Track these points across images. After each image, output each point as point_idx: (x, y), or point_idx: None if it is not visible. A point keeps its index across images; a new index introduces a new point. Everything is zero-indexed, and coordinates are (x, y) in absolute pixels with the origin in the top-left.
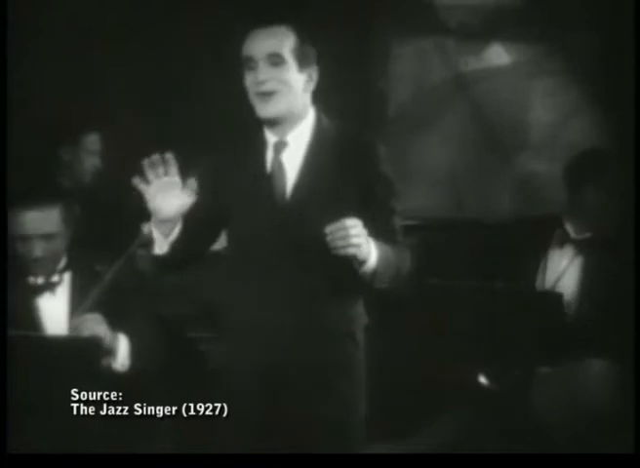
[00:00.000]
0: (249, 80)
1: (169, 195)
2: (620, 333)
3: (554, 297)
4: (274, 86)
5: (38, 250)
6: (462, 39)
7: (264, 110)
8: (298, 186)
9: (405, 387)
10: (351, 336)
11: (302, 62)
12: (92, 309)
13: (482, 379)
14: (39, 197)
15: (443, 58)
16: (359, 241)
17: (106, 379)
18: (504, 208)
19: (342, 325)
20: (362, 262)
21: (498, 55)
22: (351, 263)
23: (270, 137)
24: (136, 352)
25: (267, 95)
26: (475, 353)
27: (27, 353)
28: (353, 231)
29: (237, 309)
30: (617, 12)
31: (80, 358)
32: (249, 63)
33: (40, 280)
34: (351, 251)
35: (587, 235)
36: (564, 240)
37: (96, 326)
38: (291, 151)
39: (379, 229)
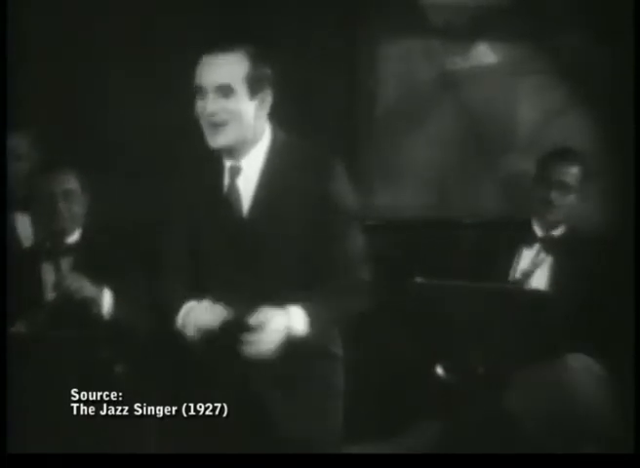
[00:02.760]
0: (199, 108)
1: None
2: (604, 332)
3: (538, 296)
4: (223, 117)
5: (61, 206)
6: (449, 38)
7: (214, 140)
8: (252, 211)
9: (389, 386)
10: (327, 349)
11: (254, 89)
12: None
13: (439, 370)
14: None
15: (429, 57)
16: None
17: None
18: (490, 207)
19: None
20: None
21: (484, 54)
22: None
23: (226, 161)
24: (119, 302)
25: (217, 125)
26: (458, 352)
27: (27, 353)
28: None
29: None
30: (604, 11)
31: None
32: (199, 92)
33: (49, 244)
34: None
35: (556, 233)
36: (533, 239)
37: (77, 281)
38: (245, 175)
39: (331, 261)
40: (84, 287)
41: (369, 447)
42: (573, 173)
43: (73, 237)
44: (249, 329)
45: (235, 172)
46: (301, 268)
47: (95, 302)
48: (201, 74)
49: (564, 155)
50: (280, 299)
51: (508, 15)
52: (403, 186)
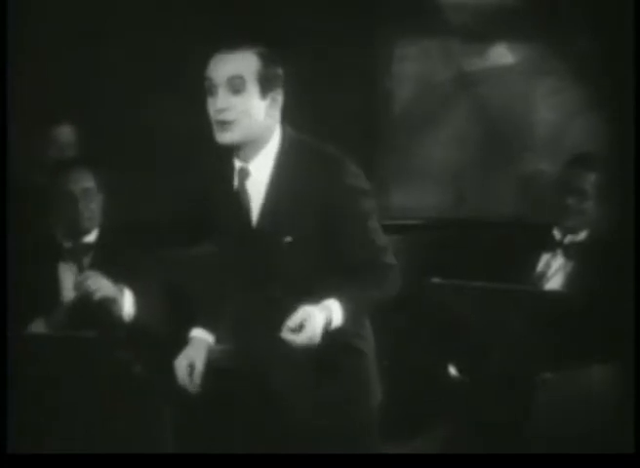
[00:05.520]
0: (209, 105)
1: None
2: (614, 335)
3: (557, 297)
4: (233, 115)
5: (81, 204)
6: (466, 39)
7: (222, 137)
8: (262, 214)
9: (408, 387)
10: (350, 345)
11: (265, 88)
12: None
13: (451, 370)
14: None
15: (447, 57)
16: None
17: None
18: (507, 208)
19: (338, 336)
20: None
21: (501, 55)
22: None
23: (236, 163)
24: (140, 303)
25: (225, 122)
26: (474, 352)
27: (28, 353)
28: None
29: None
30: (618, 13)
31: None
32: (209, 87)
33: (69, 243)
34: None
35: (577, 239)
36: (554, 244)
37: (98, 281)
38: (254, 179)
39: (352, 255)
40: (104, 287)
41: (382, 447)
42: (591, 179)
43: (91, 236)
44: (290, 329)
45: (244, 175)
46: (319, 269)
47: (115, 303)
48: (212, 68)
49: (582, 161)
50: (311, 298)
51: (526, 16)
52: (419, 186)
